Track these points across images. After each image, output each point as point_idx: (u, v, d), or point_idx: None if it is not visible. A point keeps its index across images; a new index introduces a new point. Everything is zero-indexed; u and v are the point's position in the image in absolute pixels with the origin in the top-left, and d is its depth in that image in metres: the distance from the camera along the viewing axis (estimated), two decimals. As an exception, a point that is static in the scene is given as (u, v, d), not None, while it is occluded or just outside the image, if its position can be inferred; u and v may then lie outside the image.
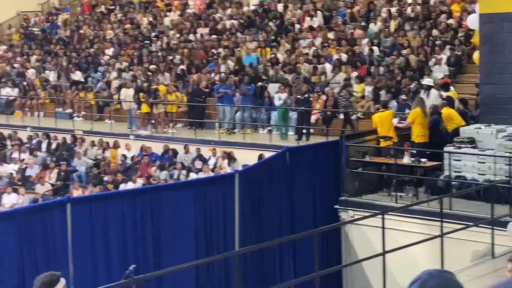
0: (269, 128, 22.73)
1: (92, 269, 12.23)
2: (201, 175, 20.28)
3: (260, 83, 24.08)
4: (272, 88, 23.45)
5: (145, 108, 24.79)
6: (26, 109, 29.63)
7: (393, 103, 20.28)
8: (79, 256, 11.98)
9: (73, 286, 10.94)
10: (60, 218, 11.90)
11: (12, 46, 35.72)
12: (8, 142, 26.99)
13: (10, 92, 30.73)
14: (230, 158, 21.15)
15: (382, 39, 24.71)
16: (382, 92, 21.33)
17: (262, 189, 14.53)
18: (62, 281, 5.67)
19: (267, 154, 18.06)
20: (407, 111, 18.36)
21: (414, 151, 15.31)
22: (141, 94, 25.22)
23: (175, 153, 22.71)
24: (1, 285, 11.63)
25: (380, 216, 11.42)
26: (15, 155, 25.38)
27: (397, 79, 21.88)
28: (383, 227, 10.96)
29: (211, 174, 20.03)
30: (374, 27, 25.77)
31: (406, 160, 15.07)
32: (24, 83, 30.87)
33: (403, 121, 16.65)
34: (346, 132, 19.53)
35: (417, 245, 12.15)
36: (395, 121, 16.51)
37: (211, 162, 21.58)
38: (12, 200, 21.56)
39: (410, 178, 15.28)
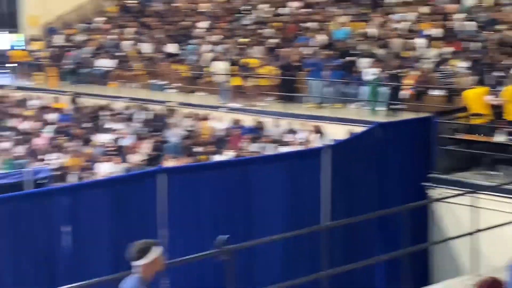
0: (359, 103, 22.63)
1: (184, 238, 12.52)
2: (290, 148, 20.41)
3: (350, 58, 23.97)
4: (363, 62, 23.30)
5: (236, 81, 25.04)
6: (122, 80, 30.34)
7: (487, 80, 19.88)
8: (172, 225, 12.28)
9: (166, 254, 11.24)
10: (153, 187, 12.19)
11: (109, 18, 36.54)
12: (104, 113, 27.70)
13: (106, 63, 31.51)
14: (319, 132, 21.21)
15: (477, 14, 24.19)
16: (477, 69, 20.92)
17: (350, 164, 14.51)
18: (158, 248, 5.89)
19: (357, 129, 18.02)
20: (501, 88, 17.97)
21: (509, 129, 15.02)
22: (232, 67, 25.45)
23: (265, 126, 22.92)
24: (96, 250, 12.02)
25: (471, 194, 11.32)
26: (110, 125, 26.05)
27: (492, 55, 21.42)
28: (473, 206, 10.86)
29: (300, 148, 20.14)
30: (469, 2, 25.23)
31: (500, 138, 14.80)
32: (120, 54, 31.59)
33: (497, 99, 16.32)
34: (438, 108, 19.25)
35: (509, 226, 11.99)
36: (488, 98, 16.20)
37: (300, 136, 21.68)
38: (106, 169, 22.19)
39: (503, 157, 15.00)
